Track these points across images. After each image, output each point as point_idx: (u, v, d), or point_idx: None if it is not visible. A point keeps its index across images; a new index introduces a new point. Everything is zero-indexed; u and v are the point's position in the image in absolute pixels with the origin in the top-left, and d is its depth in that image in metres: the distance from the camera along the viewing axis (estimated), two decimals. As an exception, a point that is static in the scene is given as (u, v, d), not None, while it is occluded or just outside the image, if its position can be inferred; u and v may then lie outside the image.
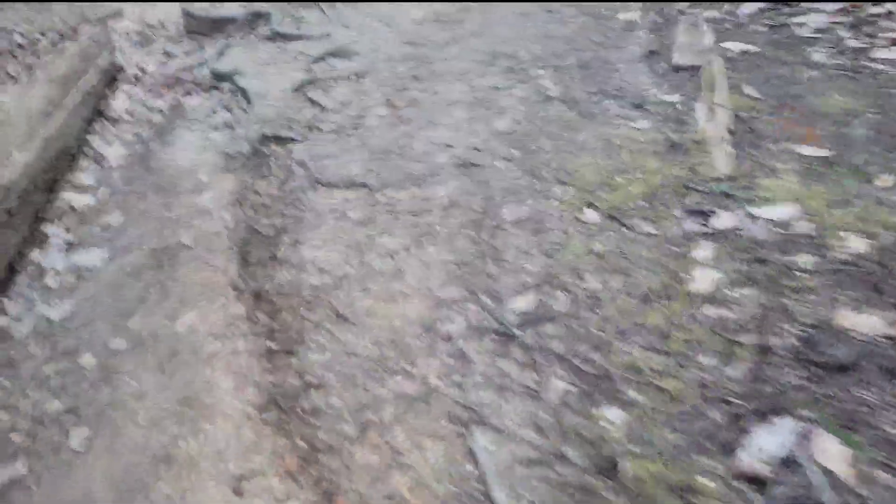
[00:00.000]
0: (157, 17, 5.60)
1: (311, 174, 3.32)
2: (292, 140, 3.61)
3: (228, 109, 4.13)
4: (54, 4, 5.99)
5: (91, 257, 3.18)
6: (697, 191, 2.68)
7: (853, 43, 3.51)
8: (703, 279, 2.31)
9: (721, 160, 2.78)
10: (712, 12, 4.04)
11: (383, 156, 3.35)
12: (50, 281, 3.05)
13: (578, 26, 4.23)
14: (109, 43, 4.76)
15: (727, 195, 2.62)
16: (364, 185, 3.19)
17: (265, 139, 3.67)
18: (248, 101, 4.09)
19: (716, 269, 2.34)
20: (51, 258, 3.22)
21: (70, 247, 3.26)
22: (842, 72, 3.31)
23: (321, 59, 4.41)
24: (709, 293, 2.26)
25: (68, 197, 3.57)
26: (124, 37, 5.32)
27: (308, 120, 3.77)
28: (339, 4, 5.06)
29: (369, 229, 2.93)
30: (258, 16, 5.06)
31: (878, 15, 3.66)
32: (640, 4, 4.36)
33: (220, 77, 4.41)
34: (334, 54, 4.43)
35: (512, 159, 3.14)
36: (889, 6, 3.68)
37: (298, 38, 4.71)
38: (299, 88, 4.13)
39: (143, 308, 2.78)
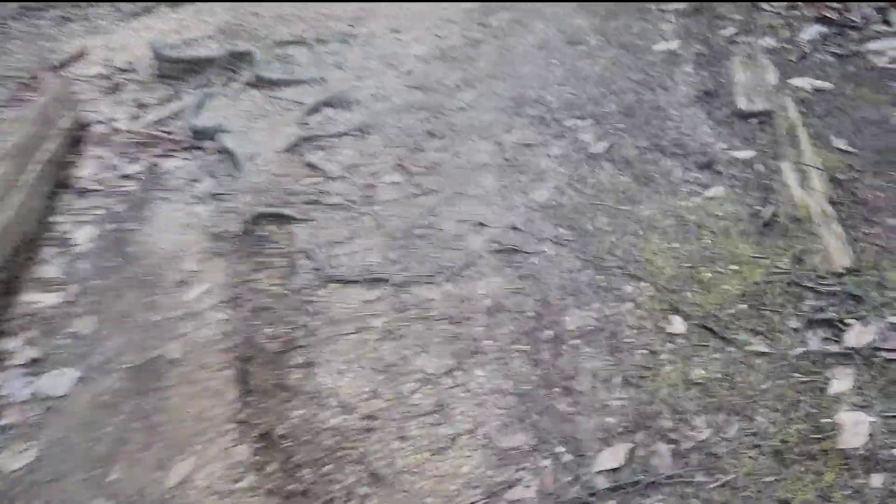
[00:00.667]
0: (125, 58, 4.96)
1: (320, 266, 2.74)
2: (293, 219, 3.03)
3: (213, 175, 3.54)
4: (10, 43, 5.36)
5: (59, 382, 2.59)
6: (813, 290, 2.12)
7: (945, 75, 2.97)
8: (853, 428, 1.76)
9: (835, 246, 2.22)
10: (768, 40, 3.48)
11: (405, 240, 2.77)
12: (10, 416, 2.46)
13: (610, 61, 3.66)
14: (72, 95, 4.14)
15: (854, 297, 2.07)
16: (386, 281, 2.61)
17: (260, 218, 3.08)
18: (237, 166, 3.49)
19: (865, 409, 1.79)
20: (10, 384, 2.62)
21: (34, 365, 2.67)
22: (941, 113, 2.78)
23: (317, 109, 3.82)
24: (866, 451, 1.70)
25: (30, 298, 2.97)
26: (90, 83, 4.69)
27: (309, 191, 3.18)
28: (331, 41, 4.46)
29: (399, 344, 2.36)
30: (239, 56, 4.45)
31: (966, 37, 3.13)
32: (679, 31, 3.80)
33: (201, 135, 3.81)
34: (331, 103, 3.84)
35: (563, 243, 2.58)
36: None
37: (288, 83, 4.11)
38: (295, 148, 3.54)
39: (126, 454, 2.21)
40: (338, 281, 2.66)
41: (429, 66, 3.98)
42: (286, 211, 3.08)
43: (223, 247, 3.03)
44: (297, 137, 3.60)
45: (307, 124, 3.71)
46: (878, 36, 3.28)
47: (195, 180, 3.54)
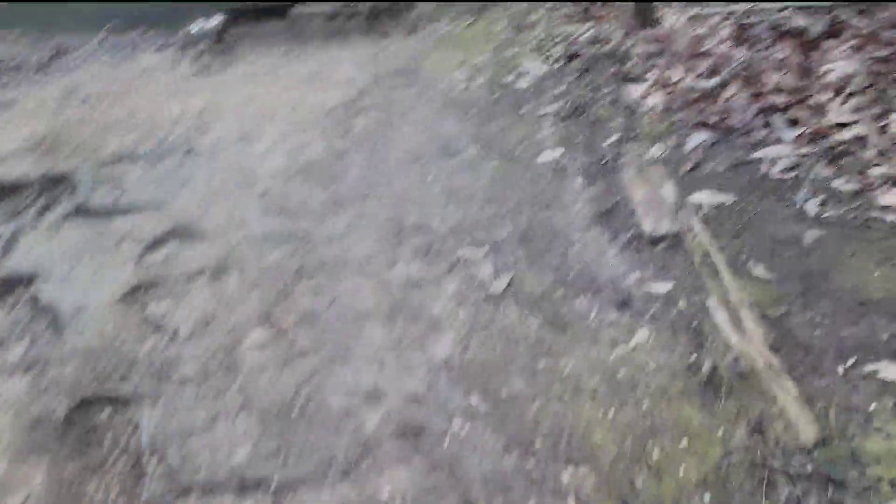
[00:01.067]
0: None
1: (173, 469, 2.13)
2: (134, 400, 2.40)
3: (29, 337, 2.83)
4: None
5: None
6: (784, 473, 1.79)
7: (842, 185, 2.84)
8: None
9: (794, 411, 1.92)
10: (655, 148, 3.28)
11: (281, 423, 2.23)
12: None
13: (494, 174, 3.32)
14: None
15: (833, 480, 1.75)
16: (261, 485, 2.05)
17: (90, 399, 2.43)
18: (58, 324, 2.82)
19: None
20: None
21: None
22: (850, 228, 2.61)
23: (159, 243, 3.21)
24: None
25: None
26: None
27: (153, 358, 2.56)
28: (172, 154, 3.87)
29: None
30: (60, 179, 3.76)
31: (848, 142, 3.04)
32: (560, 137, 3.54)
33: (11, 285, 3.09)
34: (177, 234, 3.24)
35: (477, 416, 2.13)
36: (855, 130, 3.07)
37: (122, 211, 3.47)
38: (132, 296, 2.91)
39: None
40: (198, 489, 2.07)
41: (289, 183, 3.48)
42: (124, 388, 2.45)
43: (42, 440, 2.35)
44: (134, 283, 2.97)
45: (147, 264, 3.09)
46: (764, 142, 3.14)
47: (2, 345, 2.81)
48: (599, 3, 5.74)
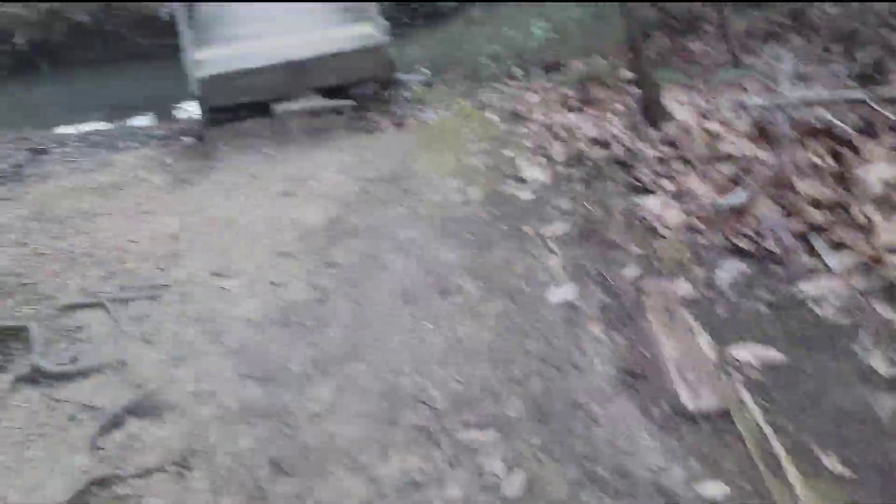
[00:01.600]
0: None
1: None
2: None
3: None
4: None
5: None
6: None
7: (907, 331, 2.40)
8: None
9: None
10: (682, 285, 2.84)
11: None
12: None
13: (497, 321, 2.88)
14: None
15: None
16: None
17: None
18: (-7, 541, 2.34)
19: None
20: None
21: None
22: (931, 394, 2.16)
23: (117, 422, 2.74)
24: None
25: None
26: None
27: None
28: (136, 297, 3.44)
29: None
30: (12, 333, 3.32)
31: (907, 271, 2.61)
32: (570, 269, 3.11)
33: (-57, 482, 2.62)
34: (136, 409, 2.78)
35: None
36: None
37: (76, 375, 3.02)
38: (84, 497, 2.44)
39: None
40: None
41: (266, 336, 3.03)
42: None
43: None
44: (86, 477, 2.51)
45: (102, 452, 2.63)
46: (808, 273, 2.70)
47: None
48: (598, 85, 5.40)
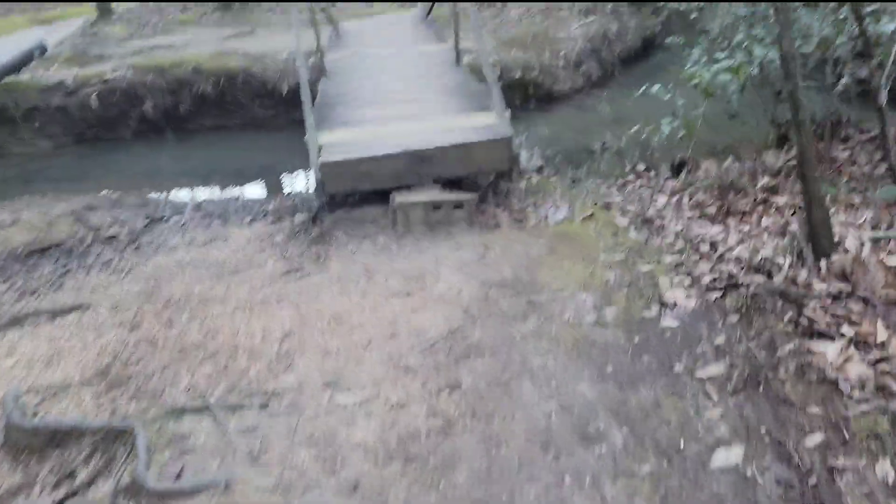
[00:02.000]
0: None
1: None
2: None
3: None
4: None
5: None
6: None
7: None
8: None
9: None
10: (885, 468, 2.36)
11: None
12: None
13: (651, 485, 2.45)
14: None
15: None
16: None
17: None
18: None
19: None
20: None
21: None
22: None
23: (215, 560, 2.45)
24: None
25: None
26: None
27: None
28: (246, 405, 3.19)
29: None
30: (116, 435, 3.11)
31: None
32: (735, 423, 2.66)
33: None
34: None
35: None
36: None
37: (178, 494, 2.76)
38: None
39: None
40: None
41: (385, 473, 2.70)
42: None
43: None
44: None
45: None
46: None
47: None
48: (737, 192, 4.98)
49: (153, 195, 7.62)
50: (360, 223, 4.97)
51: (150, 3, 13.37)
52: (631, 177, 5.96)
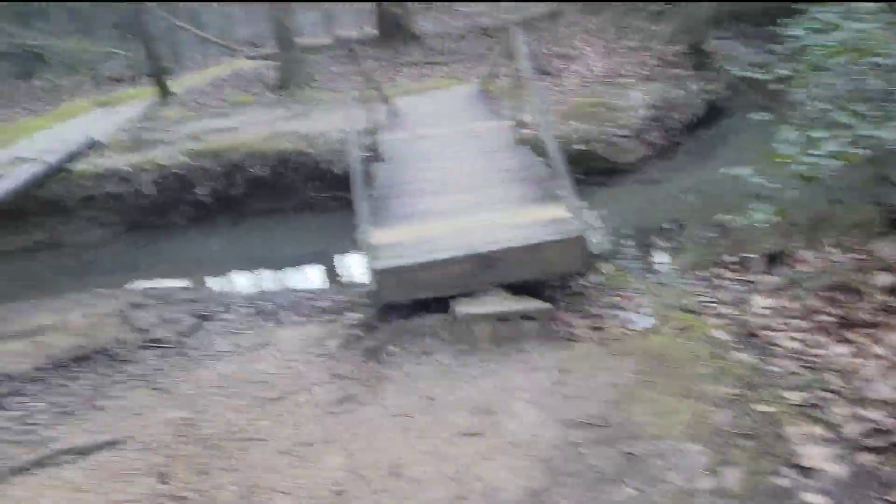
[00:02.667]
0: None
1: None
2: None
3: None
4: None
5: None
6: None
7: None
8: None
9: None
10: None
11: None
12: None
13: None
14: None
15: None
16: None
17: None
18: None
19: None
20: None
21: None
22: None
23: None
24: None
25: None
26: None
27: None
28: None
29: None
30: None
31: None
32: None
33: None
34: None
35: None
36: None
37: None
38: None
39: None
40: None
41: None
42: None
43: None
44: None
45: None
46: None
47: None
48: (852, 295, 4.19)
49: (203, 288, 7.19)
50: (418, 335, 4.34)
51: (207, 86, 13.30)
52: (720, 270, 5.21)
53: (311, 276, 7.53)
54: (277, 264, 8.00)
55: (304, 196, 9.12)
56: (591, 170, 8.94)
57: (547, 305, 4.18)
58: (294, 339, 5.12)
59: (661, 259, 6.25)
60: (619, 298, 4.73)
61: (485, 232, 4.61)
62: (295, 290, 6.66)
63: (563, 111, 9.85)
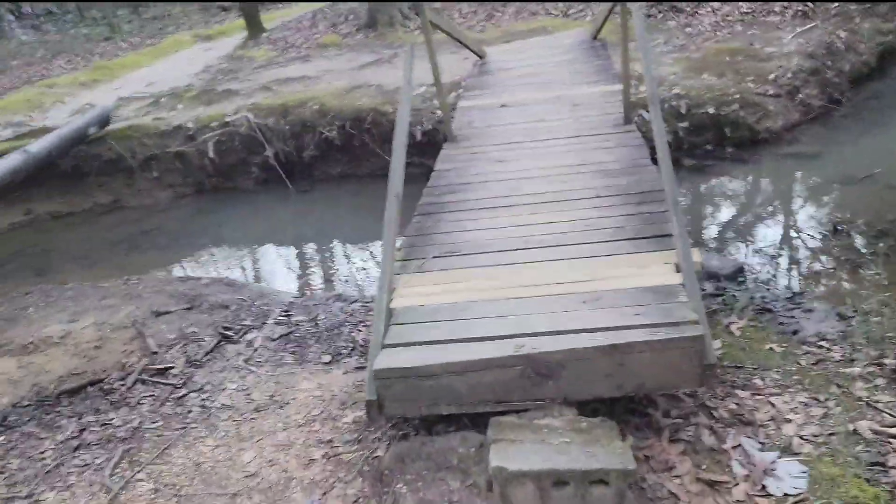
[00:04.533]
0: None
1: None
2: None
3: None
4: None
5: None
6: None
7: None
8: None
9: None
10: None
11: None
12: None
13: None
14: None
15: None
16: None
17: None
18: None
19: None
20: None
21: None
22: None
23: None
24: None
25: None
26: None
27: None
28: None
29: None
30: None
31: None
32: None
33: None
34: None
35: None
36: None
37: None
38: None
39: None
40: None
41: None
42: None
43: None
44: None
45: None
46: None
47: None
48: None
49: (246, 284, 5.99)
50: (438, 467, 2.86)
51: (300, 22, 11.90)
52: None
53: (367, 271, 6.11)
54: (342, 245, 6.71)
55: (383, 161, 7.65)
56: (725, 139, 6.94)
57: (630, 464, 2.47)
58: (308, 400, 3.83)
59: (825, 301, 4.29)
60: (750, 402, 3.04)
61: (549, 307, 2.99)
62: (340, 299, 5.30)
63: (695, 61, 7.76)
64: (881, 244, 4.80)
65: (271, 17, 13.61)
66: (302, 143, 7.75)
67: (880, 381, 3.13)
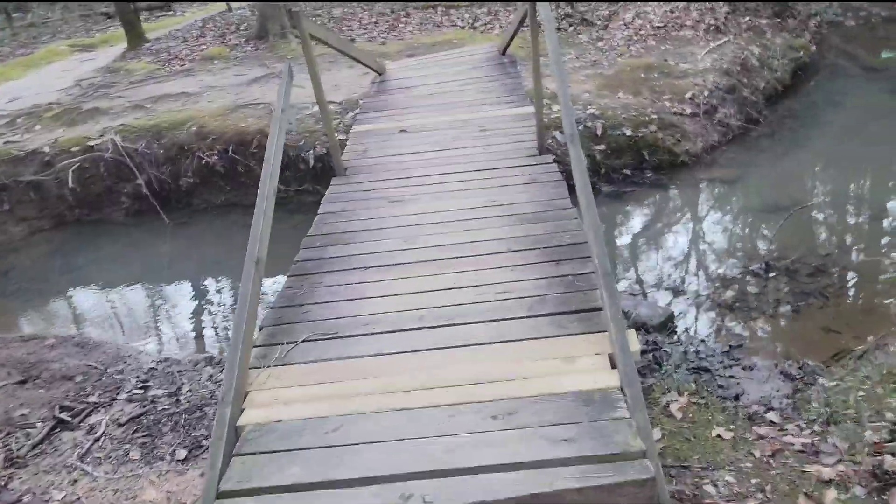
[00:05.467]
0: None
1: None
2: None
3: None
4: None
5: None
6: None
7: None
8: None
9: None
10: None
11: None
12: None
13: None
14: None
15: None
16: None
17: None
18: None
19: None
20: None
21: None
22: None
23: None
24: None
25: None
26: None
27: None
28: None
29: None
30: None
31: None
32: None
33: None
34: None
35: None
36: None
37: None
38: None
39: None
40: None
41: None
42: None
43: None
44: None
45: None
46: None
47: None
48: None
49: (104, 343, 4.90)
50: None
51: (186, 31, 10.72)
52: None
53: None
54: (219, 287, 5.73)
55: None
56: (644, 163, 6.36)
57: None
58: None
59: (765, 355, 3.75)
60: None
61: (449, 425, 2.18)
62: (211, 363, 4.34)
63: (609, 77, 7.18)
64: (818, 281, 4.31)
65: (161, 25, 12.35)
66: (178, 169, 6.69)
67: (859, 490, 2.48)
